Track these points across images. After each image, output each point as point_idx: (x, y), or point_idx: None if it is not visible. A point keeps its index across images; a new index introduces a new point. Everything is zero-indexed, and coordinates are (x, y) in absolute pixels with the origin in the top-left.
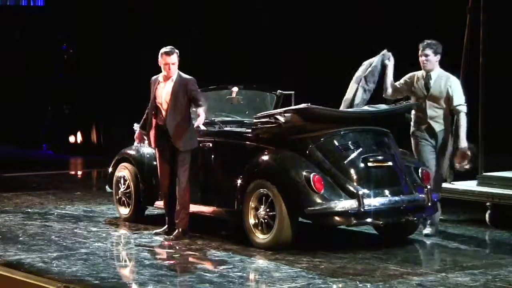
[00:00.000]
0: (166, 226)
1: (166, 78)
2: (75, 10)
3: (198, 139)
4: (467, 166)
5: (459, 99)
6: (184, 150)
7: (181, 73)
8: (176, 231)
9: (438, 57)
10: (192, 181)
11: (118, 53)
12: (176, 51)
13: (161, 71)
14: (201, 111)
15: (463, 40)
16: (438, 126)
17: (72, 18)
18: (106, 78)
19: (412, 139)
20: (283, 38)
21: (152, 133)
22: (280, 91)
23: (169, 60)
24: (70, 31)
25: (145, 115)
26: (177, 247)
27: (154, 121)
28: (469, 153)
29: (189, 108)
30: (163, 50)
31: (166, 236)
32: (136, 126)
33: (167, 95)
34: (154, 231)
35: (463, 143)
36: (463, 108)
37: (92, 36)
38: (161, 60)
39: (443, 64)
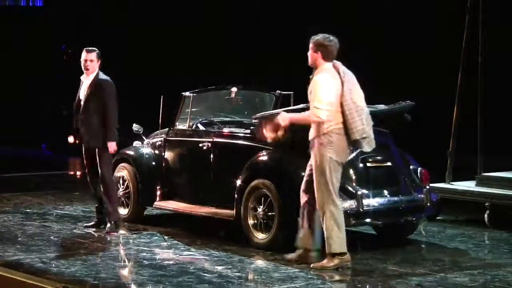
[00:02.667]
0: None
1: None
2: (74, 10)
3: (197, 139)
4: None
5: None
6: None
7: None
8: (109, 224)
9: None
10: (191, 181)
11: (118, 53)
12: (97, 50)
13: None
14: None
15: (462, 40)
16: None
17: (71, 18)
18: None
19: None
20: (283, 38)
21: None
22: (279, 91)
23: (86, 57)
24: (69, 31)
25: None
26: (177, 248)
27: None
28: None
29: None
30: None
31: (95, 229)
32: (136, 126)
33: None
34: (85, 225)
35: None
36: None
37: (92, 36)
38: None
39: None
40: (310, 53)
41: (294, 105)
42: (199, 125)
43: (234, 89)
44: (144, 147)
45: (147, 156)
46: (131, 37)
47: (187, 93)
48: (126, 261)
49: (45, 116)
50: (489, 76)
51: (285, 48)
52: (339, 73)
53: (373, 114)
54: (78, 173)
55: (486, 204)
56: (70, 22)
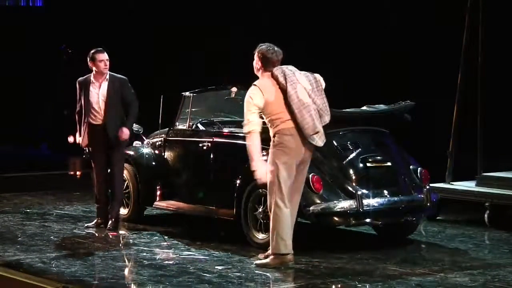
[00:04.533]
0: (98, 219)
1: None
2: (74, 10)
3: (197, 139)
4: None
5: None
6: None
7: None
8: (112, 222)
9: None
10: (191, 181)
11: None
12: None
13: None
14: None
15: (461, 40)
16: None
17: (71, 18)
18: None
19: None
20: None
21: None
22: None
23: (105, 57)
24: (69, 31)
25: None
26: (177, 248)
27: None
28: None
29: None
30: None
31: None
32: (135, 126)
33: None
34: (86, 225)
35: None
36: None
37: (91, 36)
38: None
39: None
40: (254, 62)
41: None
42: (199, 125)
43: (234, 89)
44: (144, 147)
45: (147, 156)
46: (130, 37)
47: (187, 93)
48: (126, 261)
49: (45, 116)
50: (489, 76)
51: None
52: (277, 80)
53: (374, 114)
54: (78, 173)
55: (486, 204)
56: (70, 22)
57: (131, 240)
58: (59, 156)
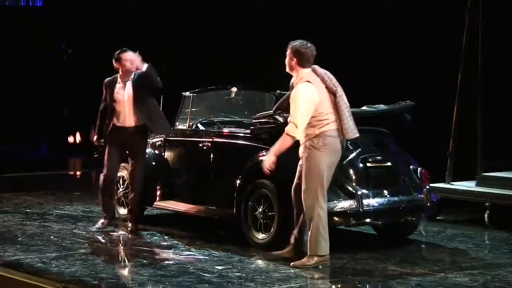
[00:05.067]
0: (105, 221)
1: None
2: (74, 10)
3: (197, 139)
4: None
5: None
6: None
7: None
8: (133, 224)
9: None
10: (191, 181)
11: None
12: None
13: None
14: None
15: (461, 39)
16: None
17: (71, 18)
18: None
19: None
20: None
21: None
22: (279, 91)
23: (132, 56)
24: (69, 31)
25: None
26: (177, 248)
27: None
28: None
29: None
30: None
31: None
32: None
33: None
34: (95, 227)
35: None
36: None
37: (91, 36)
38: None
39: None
40: (287, 60)
41: None
42: (199, 125)
43: (234, 89)
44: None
45: (147, 156)
46: (130, 37)
47: (187, 93)
48: (126, 261)
49: (45, 116)
50: (489, 76)
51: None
52: (323, 79)
53: (374, 114)
54: (78, 173)
55: (486, 204)
56: (70, 22)
57: (131, 240)
58: (59, 156)
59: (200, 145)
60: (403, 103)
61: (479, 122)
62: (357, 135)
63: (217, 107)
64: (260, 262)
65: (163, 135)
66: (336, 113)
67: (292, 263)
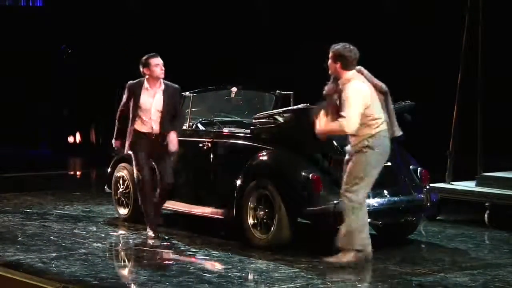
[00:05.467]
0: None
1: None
2: (74, 10)
3: (197, 139)
4: None
5: None
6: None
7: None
8: (154, 231)
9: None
10: (191, 181)
11: (117, 53)
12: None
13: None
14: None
15: (461, 40)
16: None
17: (71, 18)
18: (105, 78)
19: None
20: (282, 38)
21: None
22: (279, 91)
23: (159, 61)
24: (69, 31)
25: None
26: (177, 248)
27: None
28: None
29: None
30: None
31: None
32: None
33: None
34: (151, 243)
35: None
36: None
37: (91, 36)
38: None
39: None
40: (329, 63)
41: (294, 105)
42: (199, 125)
43: (234, 89)
44: None
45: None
46: (130, 37)
47: (187, 93)
48: (126, 261)
49: (45, 116)
50: (489, 76)
51: (285, 47)
52: (372, 80)
53: None
54: (78, 173)
55: (486, 204)
56: (70, 22)
57: (131, 240)
58: (59, 156)
59: (200, 145)
60: (403, 103)
61: (479, 122)
62: (401, 133)
63: (217, 107)
64: (260, 262)
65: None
66: (385, 112)
67: (326, 259)
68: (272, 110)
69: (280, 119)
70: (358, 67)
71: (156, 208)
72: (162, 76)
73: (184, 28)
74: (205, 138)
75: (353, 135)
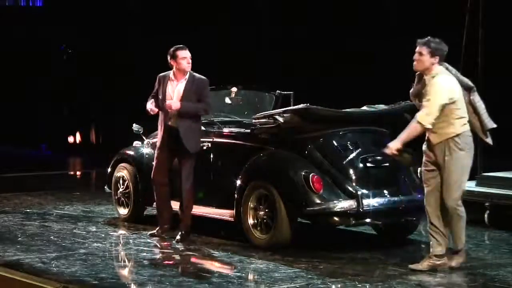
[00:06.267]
0: (160, 227)
1: (180, 75)
2: (74, 10)
3: None
4: None
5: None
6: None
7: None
8: (180, 233)
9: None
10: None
11: (117, 53)
12: (185, 49)
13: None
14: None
15: (461, 40)
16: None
17: (71, 18)
18: (105, 78)
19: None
20: (282, 38)
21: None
22: (279, 91)
23: (187, 54)
24: (69, 31)
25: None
26: (176, 248)
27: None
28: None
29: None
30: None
31: (165, 237)
32: (136, 126)
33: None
34: (149, 233)
35: None
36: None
37: (91, 36)
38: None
39: None
40: (424, 58)
41: (294, 105)
42: None
43: (234, 89)
44: (144, 147)
45: (147, 156)
46: (129, 38)
47: None
48: (126, 261)
49: (45, 116)
50: (488, 76)
51: (285, 47)
52: (456, 74)
53: (373, 114)
54: (78, 173)
55: (486, 204)
56: (70, 22)
57: (131, 240)
58: (59, 156)
59: (200, 145)
60: (403, 103)
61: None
62: (494, 125)
63: (217, 107)
64: (260, 262)
65: None
66: (470, 109)
67: (410, 266)
68: (272, 110)
69: (280, 119)
70: (444, 63)
71: (182, 212)
72: (189, 69)
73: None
74: (205, 138)
75: (433, 132)
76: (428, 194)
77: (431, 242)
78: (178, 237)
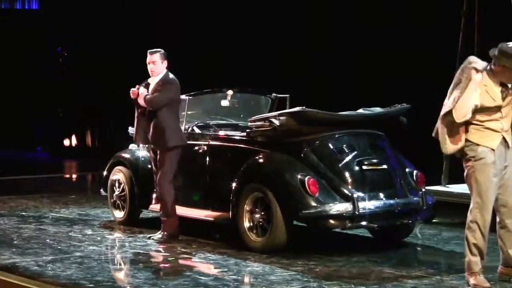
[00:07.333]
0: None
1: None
2: (70, 13)
3: (193, 142)
4: None
5: None
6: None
7: (168, 74)
8: (159, 233)
9: None
10: (187, 184)
11: (113, 55)
12: (160, 52)
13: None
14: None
15: (457, 43)
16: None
17: (66, 21)
18: (101, 81)
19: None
20: (279, 40)
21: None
22: (275, 94)
23: (149, 59)
24: (65, 34)
25: None
26: (173, 251)
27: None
28: None
29: (166, 107)
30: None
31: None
32: (131, 129)
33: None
34: (148, 236)
35: None
36: None
37: (87, 39)
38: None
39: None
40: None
41: (290, 108)
42: (195, 128)
43: (230, 92)
44: (140, 150)
45: (142, 159)
46: (124, 39)
47: (182, 96)
48: (122, 264)
49: (41, 119)
50: None
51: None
52: None
53: (369, 117)
54: (74, 176)
55: None
56: (65, 24)
57: (127, 243)
58: (54, 159)
59: (196, 148)
60: (399, 105)
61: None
62: None
63: (213, 110)
64: (256, 265)
65: None
66: None
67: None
68: (268, 113)
69: (276, 122)
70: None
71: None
72: (151, 73)
73: (177, 29)
74: (201, 141)
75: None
76: None
77: None
78: (157, 235)
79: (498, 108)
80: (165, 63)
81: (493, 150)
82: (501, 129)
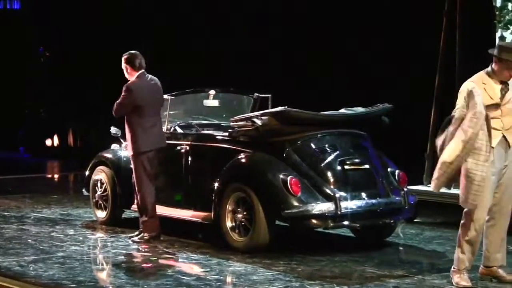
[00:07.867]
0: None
1: None
2: (52, 12)
3: (175, 142)
4: None
5: None
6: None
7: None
8: (137, 232)
9: None
10: (169, 185)
11: (96, 54)
12: (124, 56)
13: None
14: None
15: (439, 43)
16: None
17: (48, 21)
18: (84, 80)
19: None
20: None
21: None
22: (257, 94)
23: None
24: (47, 34)
25: None
26: (155, 251)
27: None
28: None
29: (131, 112)
30: None
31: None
32: (113, 129)
33: None
34: (129, 236)
35: None
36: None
37: (69, 38)
38: None
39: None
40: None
41: (272, 108)
42: (177, 127)
43: (212, 92)
44: (122, 150)
45: (125, 159)
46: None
47: (165, 96)
48: (104, 264)
49: (23, 119)
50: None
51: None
52: None
53: (351, 117)
54: (56, 176)
55: None
56: (47, 24)
57: (109, 243)
58: (37, 159)
59: (178, 148)
60: (381, 105)
61: None
62: None
63: (195, 109)
64: (238, 265)
65: None
66: None
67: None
68: (251, 112)
69: (258, 122)
70: None
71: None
72: (127, 75)
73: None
74: (183, 141)
75: None
76: None
77: None
78: (136, 236)
79: (497, 106)
80: (131, 67)
81: (492, 148)
82: (501, 127)
